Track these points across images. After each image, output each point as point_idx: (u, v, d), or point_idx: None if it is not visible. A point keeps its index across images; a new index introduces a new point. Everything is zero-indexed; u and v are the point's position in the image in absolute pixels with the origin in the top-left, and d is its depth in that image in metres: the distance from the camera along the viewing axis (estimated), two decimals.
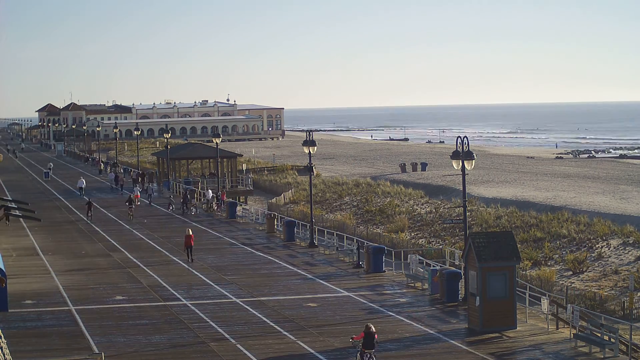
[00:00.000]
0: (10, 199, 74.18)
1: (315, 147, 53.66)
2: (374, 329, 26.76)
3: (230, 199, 73.28)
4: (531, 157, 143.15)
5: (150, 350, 30.10)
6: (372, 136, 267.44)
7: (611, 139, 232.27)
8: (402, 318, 34.22)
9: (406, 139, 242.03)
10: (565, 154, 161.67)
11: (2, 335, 28.58)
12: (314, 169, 56.00)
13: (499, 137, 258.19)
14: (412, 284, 40.76)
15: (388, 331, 32.19)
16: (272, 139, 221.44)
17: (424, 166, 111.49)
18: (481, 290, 31.89)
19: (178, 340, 31.35)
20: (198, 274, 44.22)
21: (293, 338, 31.33)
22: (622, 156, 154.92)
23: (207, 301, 37.77)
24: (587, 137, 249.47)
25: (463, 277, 35.58)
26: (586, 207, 67.13)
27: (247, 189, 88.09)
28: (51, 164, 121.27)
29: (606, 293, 41.76)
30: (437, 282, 37.91)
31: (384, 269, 44.08)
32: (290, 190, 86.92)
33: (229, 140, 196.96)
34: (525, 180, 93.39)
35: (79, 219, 67.70)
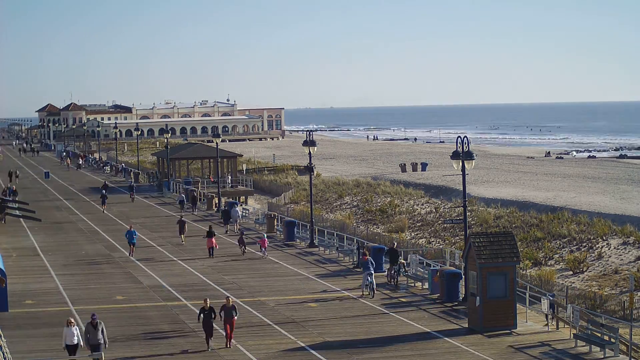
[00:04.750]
0: (10, 199, 74.19)
1: (316, 147, 53.64)
2: None
3: (231, 199, 73.28)
4: (531, 157, 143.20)
5: (150, 350, 30.08)
6: (372, 137, 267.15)
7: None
8: (402, 318, 34.21)
9: (406, 139, 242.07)
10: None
11: (2, 335, 28.61)
12: (314, 169, 55.92)
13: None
14: (412, 284, 40.76)
15: (388, 331, 32.20)
16: (272, 139, 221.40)
17: (424, 166, 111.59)
18: (481, 290, 31.89)
19: (178, 340, 31.34)
20: (198, 274, 44.21)
21: (293, 338, 31.33)
22: (622, 156, 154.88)
23: None
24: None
25: (463, 277, 35.59)
26: (586, 207, 67.15)
27: (247, 189, 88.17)
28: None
29: (606, 293, 41.74)
30: (437, 282, 37.91)
31: (384, 269, 44.06)
32: (290, 190, 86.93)
33: (230, 140, 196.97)
34: (526, 180, 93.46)
35: (80, 219, 67.71)
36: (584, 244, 51.65)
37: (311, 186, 55.21)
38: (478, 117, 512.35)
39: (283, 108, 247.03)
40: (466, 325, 32.75)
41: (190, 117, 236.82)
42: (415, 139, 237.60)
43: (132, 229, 50.40)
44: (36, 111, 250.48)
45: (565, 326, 32.21)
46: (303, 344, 30.47)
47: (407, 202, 73.33)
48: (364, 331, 32.25)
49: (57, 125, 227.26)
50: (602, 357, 28.54)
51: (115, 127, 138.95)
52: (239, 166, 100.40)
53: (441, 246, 55.09)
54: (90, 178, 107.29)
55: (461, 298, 36.55)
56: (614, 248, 50.04)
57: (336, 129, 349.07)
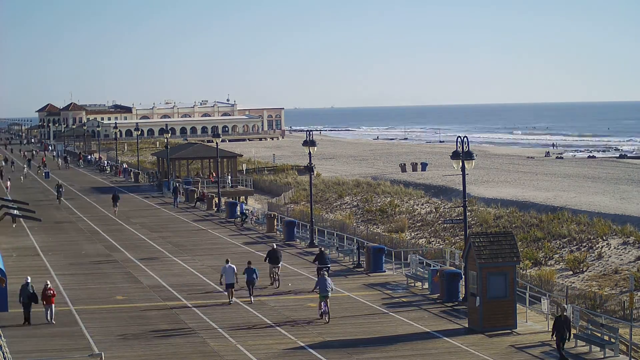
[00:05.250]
0: (10, 199, 74.18)
1: (316, 147, 53.61)
2: None
3: (231, 199, 73.25)
4: (531, 157, 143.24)
5: (150, 350, 30.09)
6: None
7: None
8: (402, 318, 34.21)
9: (406, 139, 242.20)
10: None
11: (2, 335, 28.60)
12: (314, 169, 55.92)
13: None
14: (412, 284, 40.77)
15: (388, 331, 32.19)
16: (272, 139, 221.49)
17: (424, 166, 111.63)
18: (481, 290, 31.89)
19: (178, 340, 31.34)
20: (198, 274, 44.21)
21: (293, 338, 31.33)
22: (622, 156, 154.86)
23: (207, 301, 37.75)
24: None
25: (463, 277, 35.59)
26: (586, 207, 67.15)
27: (247, 189, 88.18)
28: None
29: (606, 293, 41.73)
30: (437, 282, 37.90)
31: (384, 269, 44.08)
32: (290, 190, 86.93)
33: (229, 140, 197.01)
34: (526, 180, 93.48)
35: (79, 218, 67.72)
36: (584, 244, 51.64)
37: (311, 186, 55.19)
38: (478, 117, 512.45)
39: (283, 108, 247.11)
40: (466, 325, 32.75)
41: (190, 117, 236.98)
42: (406, 138, 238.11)
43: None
44: (36, 111, 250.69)
45: None
46: (303, 344, 30.47)
47: (407, 202, 73.31)
48: (364, 331, 32.25)
49: (57, 125, 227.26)
50: (602, 357, 28.53)
51: (115, 127, 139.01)
52: (239, 166, 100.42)
53: (441, 246, 55.09)
54: (90, 178, 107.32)
55: (461, 298, 36.55)
56: (614, 248, 50.04)
57: (341, 129, 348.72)
